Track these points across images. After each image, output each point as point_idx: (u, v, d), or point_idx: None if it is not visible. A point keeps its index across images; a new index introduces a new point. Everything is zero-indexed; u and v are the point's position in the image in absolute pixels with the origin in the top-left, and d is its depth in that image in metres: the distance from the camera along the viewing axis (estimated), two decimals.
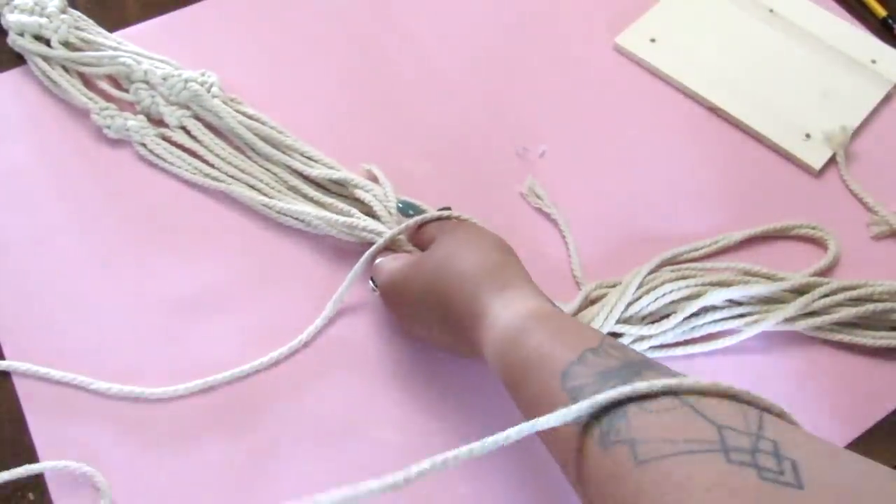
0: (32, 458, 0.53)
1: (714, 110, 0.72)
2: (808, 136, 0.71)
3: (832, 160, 0.70)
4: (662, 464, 0.35)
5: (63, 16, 0.70)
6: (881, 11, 0.79)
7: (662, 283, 0.59)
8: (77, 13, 0.71)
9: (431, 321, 0.53)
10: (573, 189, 0.67)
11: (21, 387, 0.56)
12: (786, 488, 0.33)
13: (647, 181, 0.68)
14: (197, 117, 0.67)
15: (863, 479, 0.34)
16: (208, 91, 0.66)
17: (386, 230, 0.60)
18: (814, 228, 0.65)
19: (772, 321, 0.59)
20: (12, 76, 0.70)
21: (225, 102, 0.67)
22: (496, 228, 0.64)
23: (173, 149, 0.66)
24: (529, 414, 0.44)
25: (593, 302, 0.60)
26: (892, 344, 0.60)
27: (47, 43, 0.69)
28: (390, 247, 0.59)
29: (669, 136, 0.71)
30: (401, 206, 0.61)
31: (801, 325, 0.60)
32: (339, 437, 0.55)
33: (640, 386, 0.38)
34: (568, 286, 0.63)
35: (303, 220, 0.62)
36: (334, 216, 0.61)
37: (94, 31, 0.71)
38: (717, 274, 0.61)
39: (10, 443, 0.54)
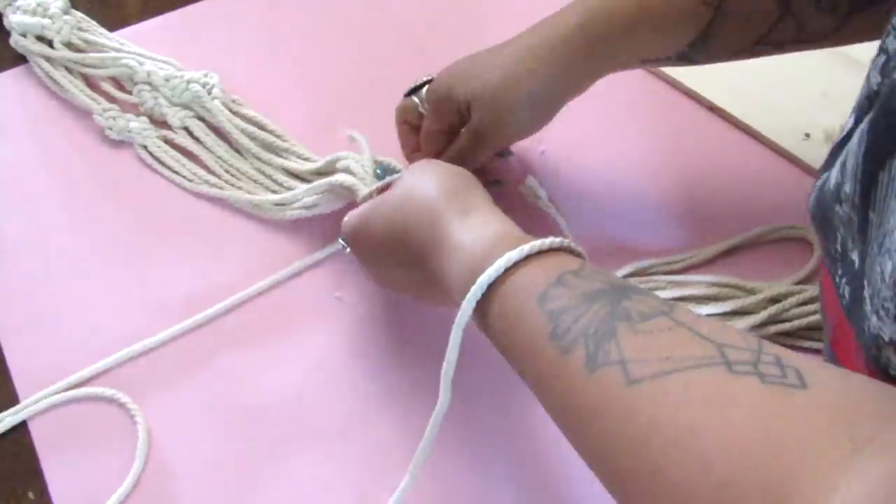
0: (32, 457, 0.53)
1: (714, 110, 0.72)
2: (807, 135, 0.70)
3: None
4: (658, 381, 0.33)
5: (66, 17, 0.70)
6: None
7: None
8: (80, 14, 0.72)
9: (397, 262, 0.51)
10: (573, 189, 0.67)
11: (21, 387, 0.56)
12: (790, 388, 0.31)
13: (646, 181, 0.68)
14: (199, 118, 0.67)
15: (865, 384, 0.33)
16: (209, 93, 0.67)
17: (354, 181, 0.59)
18: (792, 228, 0.65)
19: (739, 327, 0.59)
20: (14, 76, 0.70)
21: (225, 104, 0.67)
22: None
23: (174, 152, 0.66)
24: (505, 344, 0.41)
25: None
26: None
27: (49, 44, 0.69)
28: None
29: (669, 136, 0.71)
30: (379, 171, 0.60)
31: (770, 331, 0.59)
32: (335, 437, 0.55)
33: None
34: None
35: (297, 205, 0.62)
36: (317, 183, 0.61)
37: (96, 32, 0.71)
38: (687, 289, 0.60)
39: (10, 443, 0.54)
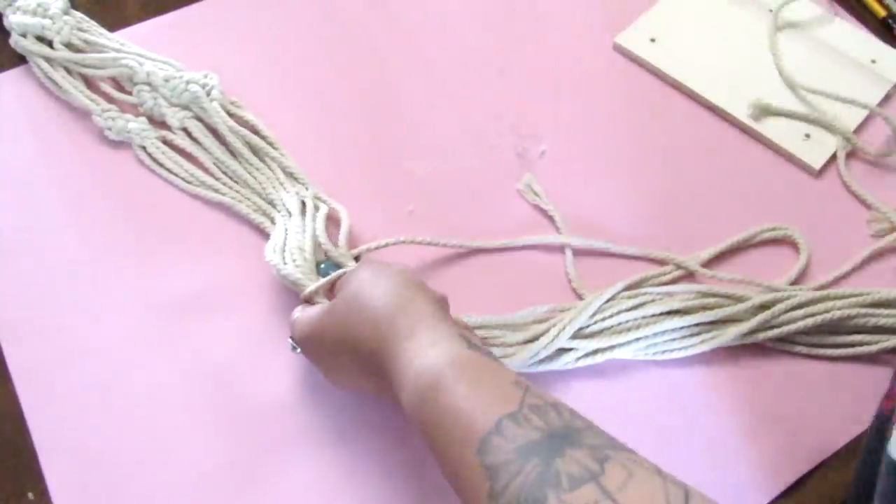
0: (32, 457, 0.53)
1: (714, 110, 0.72)
2: (807, 135, 0.71)
3: (832, 160, 0.70)
4: None
5: (66, 17, 0.70)
6: (881, 11, 0.79)
7: (619, 313, 0.58)
8: (80, 14, 0.72)
9: (352, 370, 0.50)
10: (572, 189, 0.67)
11: (21, 387, 0.56)
12: None
13: (646, 181, 0.68)
14: (198, 118, 0.67)
15: None
16: (208, 94, 0.67)
17: (299, 276, 0.57)
18: (775, 229, 0.65)
19: (726, 338, 0.58)
20: (13, 76, 0.70)
21: (224, 105, 0.67)
22: (494, 227, 0.65)
23: (172, 154, 0.66)
24: (450, 480, 0.41)
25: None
26: (850, 353, 0.60)
27: (49, 44, 0.69)
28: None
29: (669, 135, 0.71)
30: (323, 266, 0.59)
31: (760, 338, 0.59)
32: (334, 441, 0.55)
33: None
34: (562, 285, 0.63)
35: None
36: (274, 243, 0.60)
37: (96, 33, 0.71)
38: (677, 299, 0.59)
39: (10, 443, 0.54)
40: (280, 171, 0.65)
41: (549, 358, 0.57)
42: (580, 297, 0.61)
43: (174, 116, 0.67)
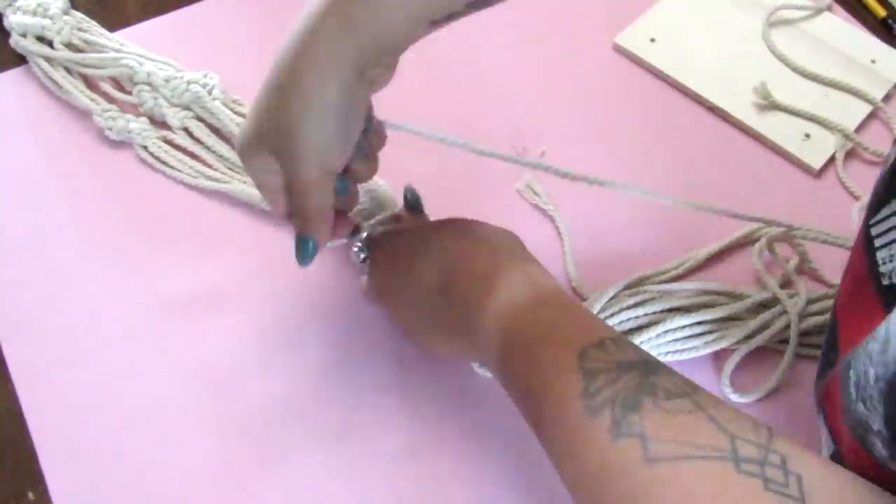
0: (32, 457, 0.53)
1: (714, 110, 0.73)
2: (807, 135, 0.71)
3: (831, 160, 0.70)
4: (672, 466, 0.35)
5: (66, 17, 0.70)
6: (881, 11, 0.79)
7: (619, 311, 0.58)
8: (80, 14, 0.72)
9: (431, 290, 0.51)
10: (572, 189, 0.67)
11: (21, 387, 0.56)
12: (788, 500, 0.34)
13: (646, 181, 0.68)
14: (199, 118, 0.67)
15: (863, 497, 0.35)
16: (209, 93, 0.67)
17: None
18: (772, 226, 0.65)
19: (728, 341, 0.58)
20: (14, 76, 0.70)
21: (226, 104, 0.67)
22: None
23: (175, 152, 0.66)
24: (530, 385, 0.43)
25: None
26: None
27: (50, 44, 0.69)
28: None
29: (669, 136, 0.71)
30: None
31: (760, 340, 0.59)
32: (336, 439, 0.55)
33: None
34: (562, 285, 0.63)
35: None
36: None
37: (96, 33, 0.71)
38: (677, 297, 0.59)
39: (10, 442, 0.54)
40: None
41: None
42: (581, 298, 0.61)
43: (175, 116, 0.67)
